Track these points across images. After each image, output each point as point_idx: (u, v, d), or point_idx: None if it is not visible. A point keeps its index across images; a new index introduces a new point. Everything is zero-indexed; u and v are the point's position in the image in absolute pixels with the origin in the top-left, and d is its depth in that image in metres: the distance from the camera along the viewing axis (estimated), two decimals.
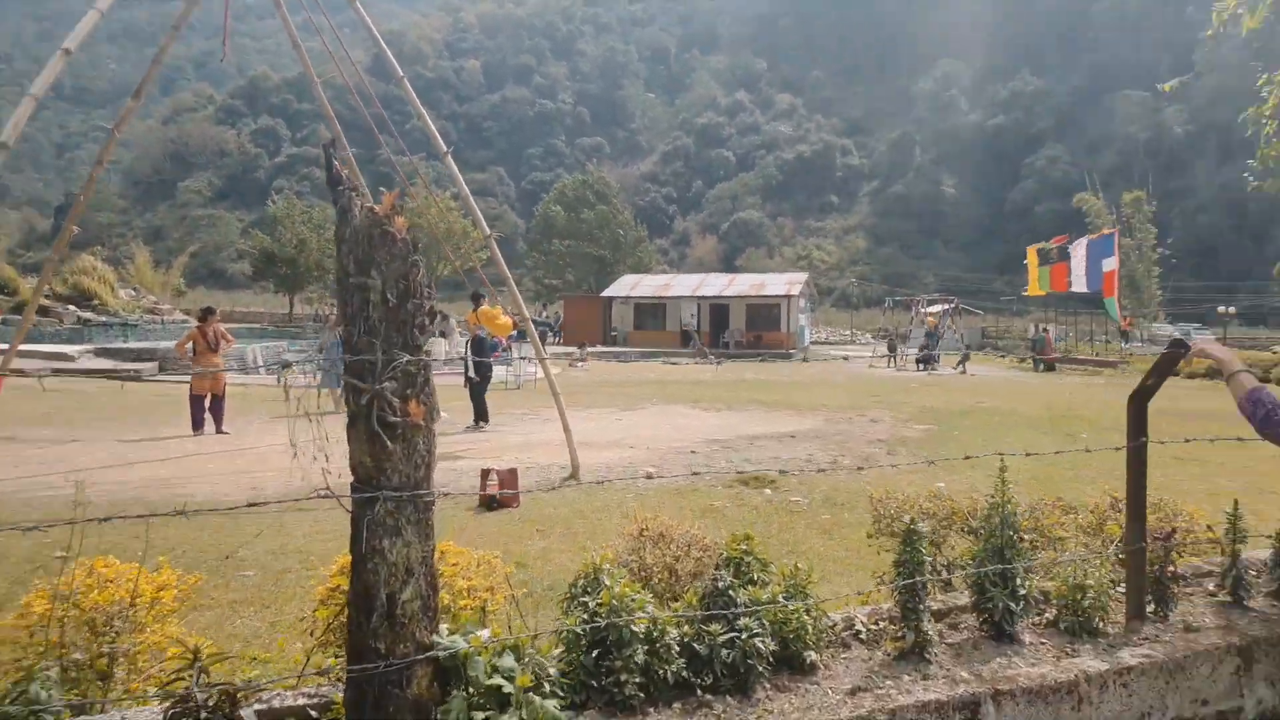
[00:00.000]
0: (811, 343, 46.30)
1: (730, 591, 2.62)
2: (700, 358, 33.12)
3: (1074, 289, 29.12)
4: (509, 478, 8.26)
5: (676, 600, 3.29)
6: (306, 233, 54.05)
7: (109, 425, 13.79)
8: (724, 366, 30.89)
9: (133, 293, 42.96)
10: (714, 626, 2.53)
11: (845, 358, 34.76)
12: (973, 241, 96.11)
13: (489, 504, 8.09)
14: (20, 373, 21.11)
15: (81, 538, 2.70)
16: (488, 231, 9.35)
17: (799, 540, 7.01)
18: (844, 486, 9.04)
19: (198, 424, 12.81)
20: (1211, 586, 3.54)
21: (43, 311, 37.60)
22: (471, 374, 13.83)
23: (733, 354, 37.16)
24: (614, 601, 2.48)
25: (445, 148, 9.22)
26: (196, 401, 12.90)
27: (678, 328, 40.95)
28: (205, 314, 13.70)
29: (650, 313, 42.22)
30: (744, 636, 2.49)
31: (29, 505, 7.92)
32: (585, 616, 2.47)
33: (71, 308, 37.22)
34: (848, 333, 59.50)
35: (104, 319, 37.13)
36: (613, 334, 42.33)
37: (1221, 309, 41.54)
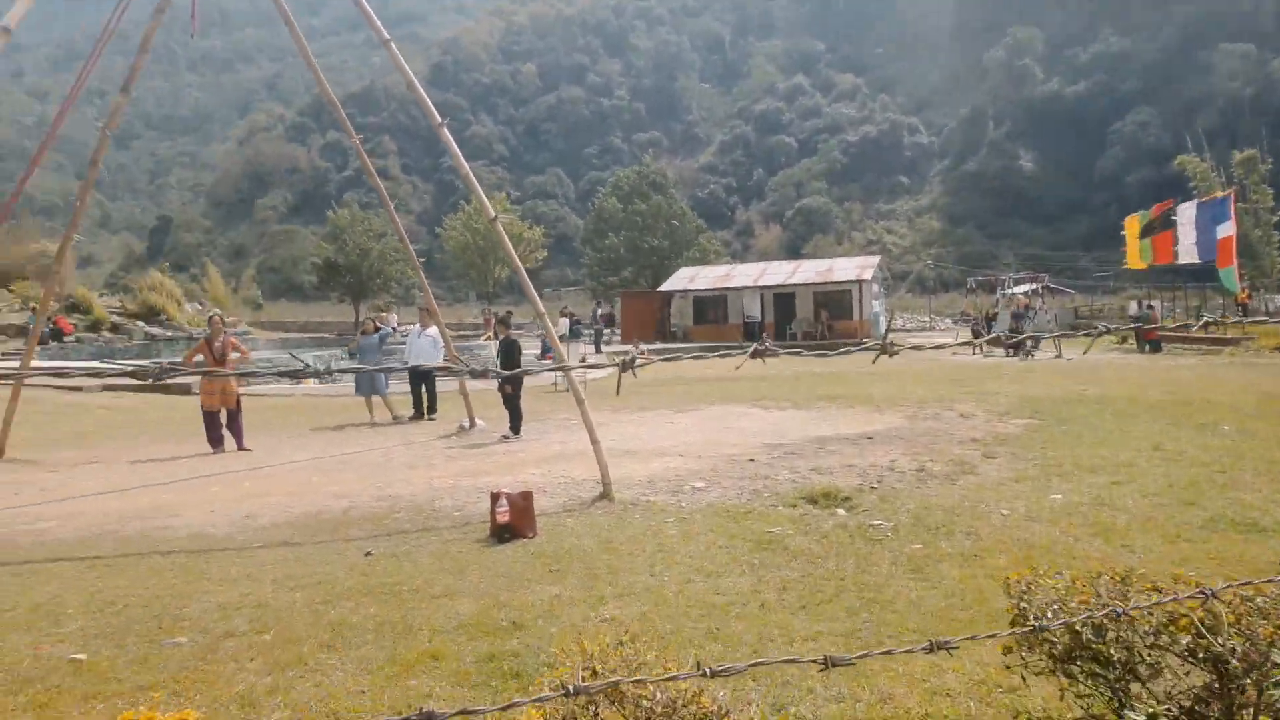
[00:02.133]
0: (887, 330, 44.08)
1: None
2: (765, 351, 31.39)
3: (1181, 260, 26.40)
4: (522, 503, 6.89)
5: None
6: (368, 242, 54.02)
7: (137, 443, 12.96)
8: (787, 359, 29.16)
9: (198, 307, 43.15)
10: None
11: (944, 347, 32.57)
12: (1054, 217, 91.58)
13: (500, 535, 6.74)
14: (76, 389, 20.67)
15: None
16: (491, 214, 8.01)
17: (882, 583, 5.42)
18: (937, 503, 7.42)
19: (215, 441, 11.86)
20: None
21: (113, 328, 38.10)
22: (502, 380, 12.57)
23: (800, 346, 35.29)
24: None
25: (440, 119, 7.91)
26: (209, 417, 11.92)
27: (740, 320, 39.18)
28: (212, 324, 12.73)
29: (710, 306, 40.50)
30: None
31: None
32: None
33: (140, 324, 37.48)
34: (926, 319, 56.91)
35: (170, 334, 37.35)
36: (672, 329, 40.83)
37: None
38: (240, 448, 11.84)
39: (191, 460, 11.08)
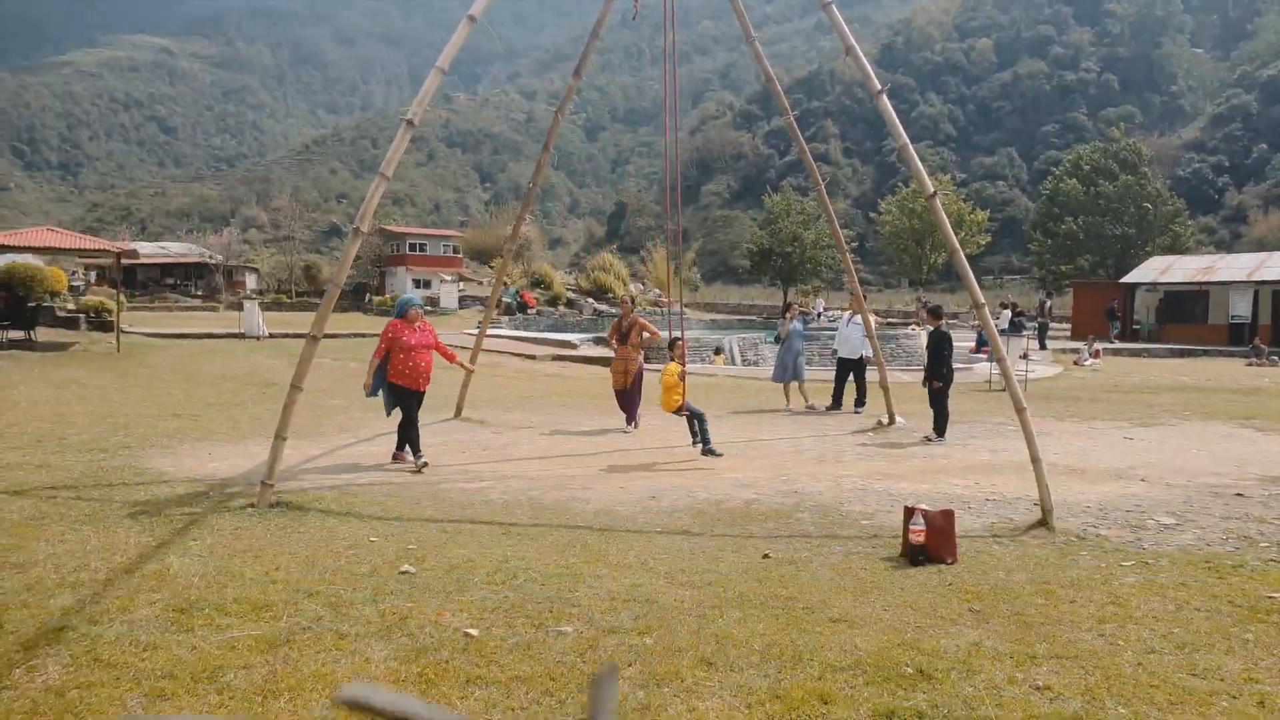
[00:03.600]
0: None
1: None
2: (1257, 358, 26.15)
3: None
4: (942, 522, 6.00)
5: None
6: (799, 229, 54.48)
7: (572, 411, 13.94)
8: None
9: (640, 287, 46.91)
10: None
11: None
12: None
13: (913, 556, 5.92)
14: (530, 357, 23.33)
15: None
16: (930, 190, 7.14)
17: None
18: None
19: (627, 417, 12.08)
20: None
21: (568, 304, 42.90)
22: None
23: None
24: None
25: (879, 86, 7.21)
26: (619, 395, 12.10)
27: (1224, 320, 33.07)
28: (622, 305, 12.87)
29: (1186, 302, 34.69)
30: None
31: (436, 498, 7.58)
32: None
33: (590, 300, 41.79)
34: None
35: (614, 311, 41.09)
36: (1135, 326, 35.70)
37: None
38: (629, 423, 11.91)
39: (613, 434, 11.56)
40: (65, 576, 4.94)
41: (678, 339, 11.30)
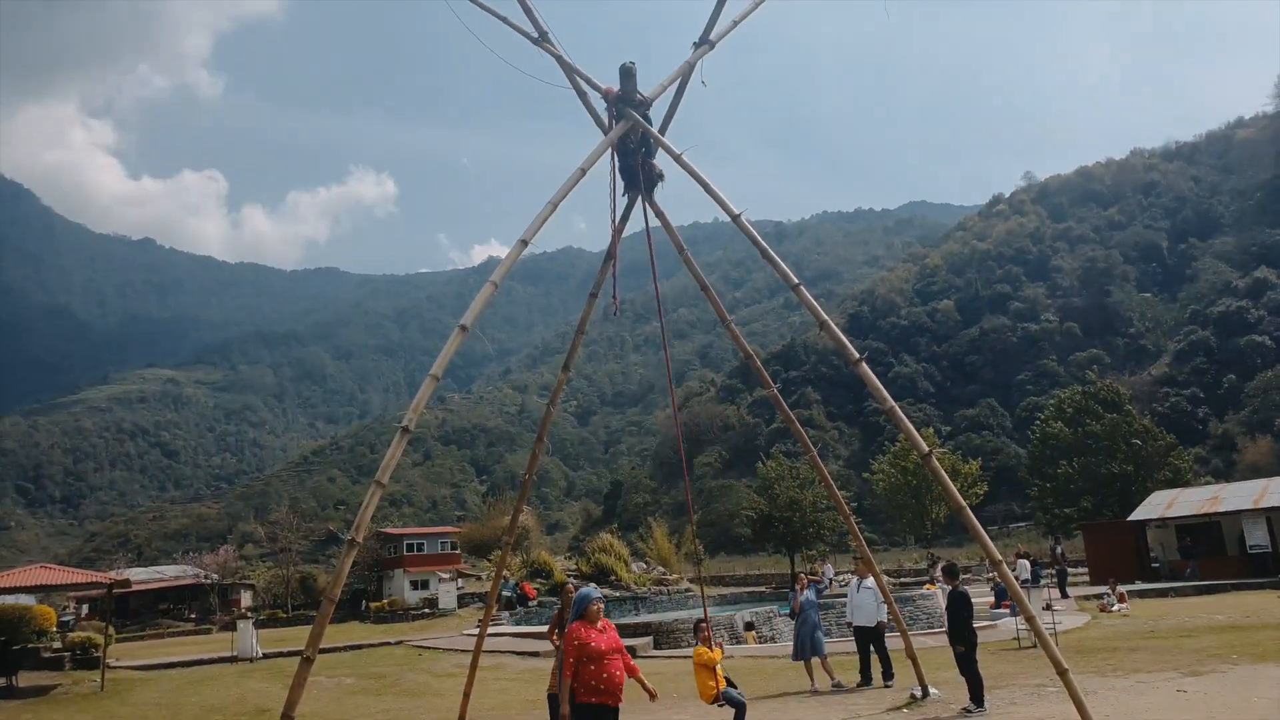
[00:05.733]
0: None
1: None
2: None
3: None
4: None
5: None
6: (795, 492, 54.33)
7: None
8: None
9: (643, 566, 45.77)
10: None
11: None
12: None
13: None
14: (534, 654, 22.18)
15: None
16: (924, 449, 7.14)
17: None
18: None
19: None
20: None
21: (571, 591, 41.54)
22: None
23: None
24: None
25: (856, 355, 7.43)
26: (551, 700, 9.74)
27: (1242, 551, 32.27)
28: (564, 594, 10.64)
29: (1199, 535, 34.07)
30: None
31: None
32: None
33: (592, 585, 40.53)
34: None
35: (619, 594, 39.50)
36: (1154, 565, 34.72)
37: None
38: None
39: None
40: None
41: (702, 621, 10.35)
